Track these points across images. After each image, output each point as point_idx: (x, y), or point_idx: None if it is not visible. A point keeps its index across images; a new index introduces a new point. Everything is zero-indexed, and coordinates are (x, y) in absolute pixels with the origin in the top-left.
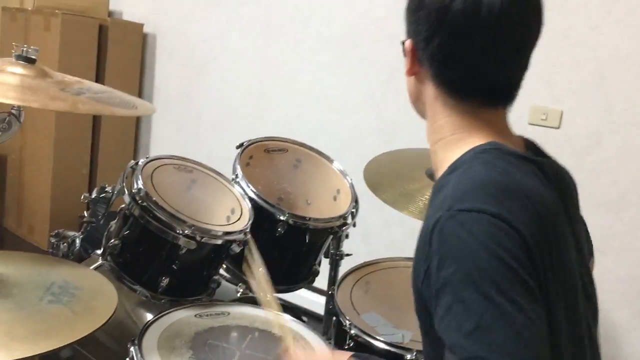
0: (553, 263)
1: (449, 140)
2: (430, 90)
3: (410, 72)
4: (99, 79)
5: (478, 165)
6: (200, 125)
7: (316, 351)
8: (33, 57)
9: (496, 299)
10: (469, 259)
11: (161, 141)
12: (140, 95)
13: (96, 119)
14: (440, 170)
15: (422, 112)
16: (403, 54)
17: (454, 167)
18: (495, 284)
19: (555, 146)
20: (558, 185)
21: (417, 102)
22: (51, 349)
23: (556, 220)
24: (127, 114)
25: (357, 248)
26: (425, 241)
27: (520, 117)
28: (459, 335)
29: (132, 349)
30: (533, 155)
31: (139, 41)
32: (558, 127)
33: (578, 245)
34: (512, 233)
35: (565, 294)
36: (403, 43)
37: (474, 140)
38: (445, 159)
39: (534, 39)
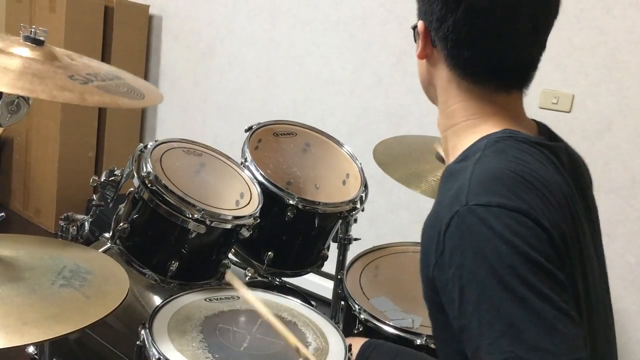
0: (572, 252)
1: (462, 127)
2: (443, 74)
3: (422, 54)
4: (104, 61)
5: (492, 155)
6: (206, 109)
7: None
8: (41, 38)
9: (525, 295)
10: (492, 256)
11: (167, 124)
12: (146, 78)
13: None
14: (452, 156)
15: (433, 98)
16: (414, 38)
17: (465, 155)
18: (522, 279)
19: (566, 131)
20: (572, 169)
21: (429, 86)
22: (65, 333)
23: (573, 208)
24: (134, 106)
25: (364, 232)
26: (439, 232)
27: (531, 101)
28: (492, 334)
29: (142, 332)
30: (546, 140)
31: (144, 23)
32: (569, 112)
33: (594, 231)
34: (534, 226)
35: (583, 282)
36: (414, 28)
37: (488, 127)
38: (457, 145)
39: (552, 16)
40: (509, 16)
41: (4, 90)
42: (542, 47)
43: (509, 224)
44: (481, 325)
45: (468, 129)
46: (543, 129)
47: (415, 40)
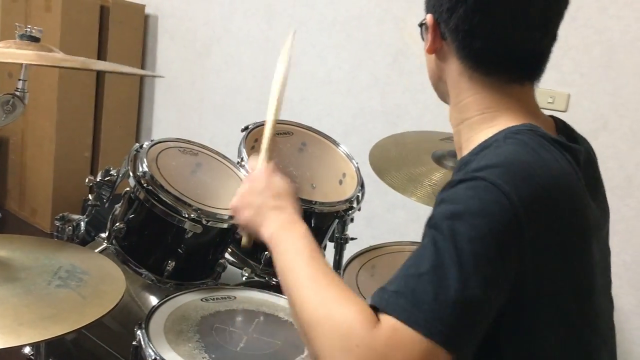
0: (562, 253)
1: (476, 120)
2: (453, 67)
3: (431, 49)
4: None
5: (510, 144)
6: (203, 108)
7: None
8: (37, 36)
9: (452, 266)
10: (459, 217)
11: (164, 124)
12: (142, 78)
13: (98, 102)
14: (465, 149)
15: (443, 94)
16: (421, 36)
17: (483, 147)
18: (459, 254)
19: None
20: (587, 173)
21: (439, 82)
22: (61, 333)
23: (581, 211)
24: (135, 73)
25: (361, 232)
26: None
27: None
28: (403, 271)
29: (138, 332)
30: (566, 140)
31: (140, 23)
32: (565, 111)
33: (603, 232)
34: (512, 218)
35: (576, 284)
36: (421, 24)
37: (507, 120)
38: (472, 138)
39: (563, 6)
40: (521, 4)
41: (33, 62)
42: (553, 37)
43: (492, 202)
44: (408, 261)
45: (484, 122)
46: (561, 126)
47: (422, 37)
